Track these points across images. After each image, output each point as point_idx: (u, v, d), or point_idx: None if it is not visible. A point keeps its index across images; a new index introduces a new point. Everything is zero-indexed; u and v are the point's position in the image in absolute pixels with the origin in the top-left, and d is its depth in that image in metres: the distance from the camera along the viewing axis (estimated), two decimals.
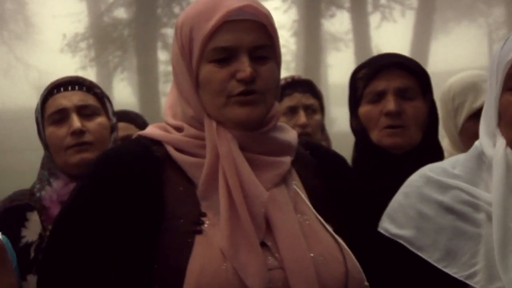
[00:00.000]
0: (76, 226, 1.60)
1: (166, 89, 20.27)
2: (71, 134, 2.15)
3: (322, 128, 2.79)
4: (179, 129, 1.65)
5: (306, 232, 1.59)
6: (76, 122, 2.15)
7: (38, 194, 2.19)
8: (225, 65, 1.60)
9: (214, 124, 1.61)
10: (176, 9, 20.08)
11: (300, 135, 1.78)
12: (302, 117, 2.65)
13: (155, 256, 1.52)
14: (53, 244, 1.65)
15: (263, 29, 1.62)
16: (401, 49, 20.48)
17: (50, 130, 2.19)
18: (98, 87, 2.26)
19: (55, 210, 2.10)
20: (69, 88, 2.20)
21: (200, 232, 1.55)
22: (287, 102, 2.68)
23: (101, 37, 20.73)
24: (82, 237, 1.59)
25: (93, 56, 21.29)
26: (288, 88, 2.69)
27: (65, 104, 2.17)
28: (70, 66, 19.91)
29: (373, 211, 1.76)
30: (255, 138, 1.63)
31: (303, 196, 1.66)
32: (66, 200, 1.71)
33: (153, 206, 1.57)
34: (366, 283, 1.62)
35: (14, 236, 1.86)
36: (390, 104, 2.09)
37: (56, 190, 2.17)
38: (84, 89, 2.21)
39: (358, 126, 2.17)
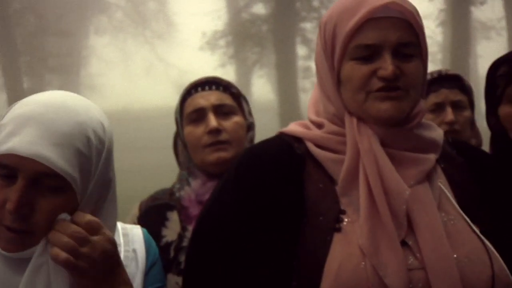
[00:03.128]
0: (219, 222, 1.63)
1: (305, 85, 20.05)
2: (208, 133, 2.18)
3: (471, 125, 2.67)
4: (319, 125, 1.67)
5: (450, 232, 1.57)
6: (212, 121, 2.18)
7: (177, 194, 2.24)
8: (367, 63, 1.60)
9: (354, 120, 1.62)
10: (315, 3, 19.88)
11: (447, 133, 1.78)
12: (449, 114, 2.55)
13: (295, 253, 1.54)
14: (197, 242, 1.67)
15: (408, 26, 1.61)
16: None
17: (188, 129, 2.23)
18: (235, 87, 2.30)
19: (193, 210, 2.18)
20: (207, 88, 2.25)
21: (339, 230, 1.55)
22: (434, 98, 2.58)
23: (240, 34, 20.88)
24: (225, 234, 1.61)
25: (232, 53, 21.48)
26: (435, 84, 2.60)
27: (203, 103, 2.22)
28: (209, 63, 20.08)
29: None
30: (397, 134, 1.62)
31: (449, 194, 1.63)
32: (208, 198, 1.73)
33: (294, 203, 1.59)
34: None
35: (155, 235, 1.89)
36: None
37: (195, 190, 2.21)
38: (221, 89, 2.26)
39: (496, 125, 2.10)
